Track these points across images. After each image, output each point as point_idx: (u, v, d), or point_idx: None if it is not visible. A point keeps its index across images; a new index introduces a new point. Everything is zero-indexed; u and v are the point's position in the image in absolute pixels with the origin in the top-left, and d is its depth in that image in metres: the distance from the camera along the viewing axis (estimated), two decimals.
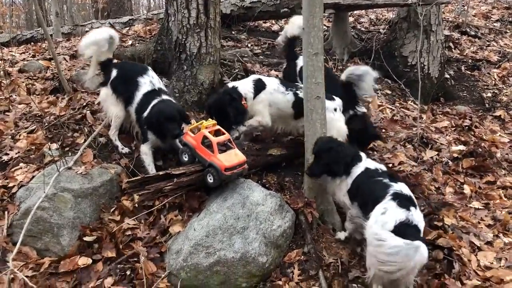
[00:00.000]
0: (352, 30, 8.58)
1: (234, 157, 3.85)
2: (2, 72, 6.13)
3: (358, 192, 3.71)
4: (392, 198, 3.38)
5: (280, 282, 3.69)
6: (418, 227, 3.29)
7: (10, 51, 7.59)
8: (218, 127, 3.95)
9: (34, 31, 10.05)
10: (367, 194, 3.60)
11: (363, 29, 9.27)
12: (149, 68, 4.75)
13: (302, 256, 3.87)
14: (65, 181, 4.09)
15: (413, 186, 4.60)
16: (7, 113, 5.26)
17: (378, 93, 6.92)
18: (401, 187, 3.52)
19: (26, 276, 3.56)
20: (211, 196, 4.05)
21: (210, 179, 3.83)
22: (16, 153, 4.62)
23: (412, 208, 3.32)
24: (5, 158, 4.58)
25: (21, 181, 4.29)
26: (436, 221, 4.25)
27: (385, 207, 3.33)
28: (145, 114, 4.31)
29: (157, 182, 3.88)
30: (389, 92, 7.10)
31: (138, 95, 4.44)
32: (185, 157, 4.05)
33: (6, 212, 4.06)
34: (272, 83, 4.67)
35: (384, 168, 3.82)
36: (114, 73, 4.62)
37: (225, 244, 3.66)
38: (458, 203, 4.62)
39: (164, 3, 6.03)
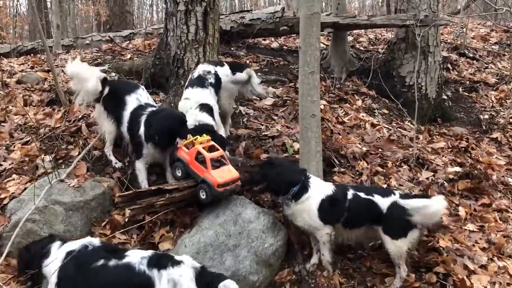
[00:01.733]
0: (351, 49, 8.63)
1: (227, 173, 3.82)
2: (0, 83, 6.15)
3: None
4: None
5: None
6: None
7: (10, 62, 7.62)
8: (212, 143, 3.93)
9: (35, 42, 10.11)
10: None
11: (362, 48, 9.33)
12: (141, 86, 4.72)
13: (294, 276, 3.84)
14: (56, 193, 4.06)
15: None
16: (2, 124, 5.26)
17: (375, 112, 6.95)
18: None
19: None
20: (204, 212, 4.02)
21: (203, 195, 3.80)
22: (9, 164, 4.60)
23: None
24: None
25: (13, 193, 4.26)
26: (431, 243, 4.22)
27: None
28: (141, 129, 4.22)
29: (149, 197, 3.84)
30: (386, 111, 7.11)
31: (126, 115, 4.41)
32: (179, 172, 4.03)
33: None
34: (199, 94, 4.64)
35: None
36: (106, 90, 4.59)
37: (215, 262, 3.61)
38: (453, 225, 4.58)
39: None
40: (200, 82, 4.72)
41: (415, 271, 3.97)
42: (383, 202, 3.80)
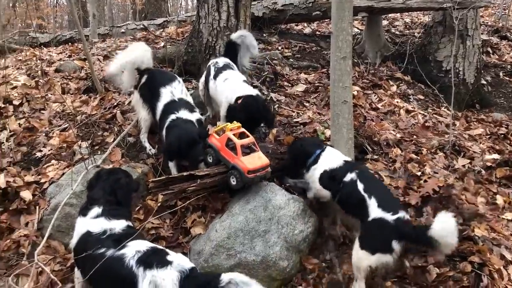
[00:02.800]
0: (385, 33, 8.44)
1: (257, 160, 3.83)
2: (40, 71, 6.36)
3: None
4: None
5: None
6: None
7: (49, 51, 7.86)
8: (242, 129, 3.95)
9: (73, 31, 10.38)
10: None
11: (397, 32, 9.10)
12: (177, 77, 4.75)
13: (324, 263, 3.84)
14: None
15: (444, 198, 4.47)
16: (42, 111, 5.45)
17: (410, 98, 6.80)
18: None
19: (54, 271, 3.69)
20: (234, 198, 4.05)
21: (233, 181, 3.83)
22: (48, 150, 4.78)
23: None
24: (38, 154, 4.76)
25: (52, 178, 4.44)
26: (466, 232, 4.12)
27: None
28: (164, 139, 4.34)
29: (181, 182, 3.91)
30: (422, 97, 6.94)
31: (160, 106, 4.47)
32: (210, 159, 4.08)
33: (37, 207, 4.22)
34: (237, 74, 4.84)
35: None
36: (143, 79, 4.68)
37: (246, 247, 3.65)
38: (490, 214, 4.44)
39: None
40: (230, 67, 4.83)
41: (449, 260, 3.89)
42: (374, 208, 3.47)
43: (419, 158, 5.05)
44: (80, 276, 3.25)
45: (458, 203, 4.46)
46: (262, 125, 4.55)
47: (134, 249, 2.92)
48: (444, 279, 3.71)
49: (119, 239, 3.03)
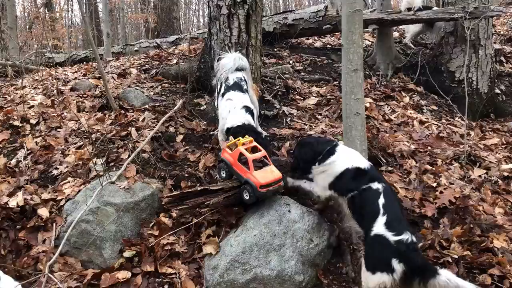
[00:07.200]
0: (397, 45, 8.45)
1: (270, 174, 3.83)
2: (55, 90, 6.47)
3: None
4: None
5: None
6: None
7: (64, 71, 8.00)
8: (254, 143, 3.96)
9: (87, 51, 10.58)
10: None
11: (408, 44, 9.09)
12: None
13: (341, 277, 3.80)
14: (108, 195, 4.22)
15: (461, 209, 4.41)
16: (58, 130, 5.52)
17: (424, 109, 6.76)
18: None
19: (70, 287, 3.70)
20: (248, 212, 4.04)
21: (246, 196, 3.84)
22: (65, 168, 4.83)
23: None
24: (55, 172, 4.80)
25: (68, 195, 4.46)
26: (484, 243, 4.05)
27: None
28: None
29: (195, 197, 3.93)
30: (435, 108, 6.90)
31: None
32: (223, 173, 4.09)
33: (54, 224, 4.24)
34: (242, 97, 4.69)
35: None
36: None
37: (261, 261, 3.64)
38: (508, 224, 4.37)
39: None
40: (239, 87, 4.73)
41: (468, 272, 3.83)
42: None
43: (434, 169, 5.01)
44: None
45: (475, 214, 4.40)
46: None
47: None
48: None
49: None
